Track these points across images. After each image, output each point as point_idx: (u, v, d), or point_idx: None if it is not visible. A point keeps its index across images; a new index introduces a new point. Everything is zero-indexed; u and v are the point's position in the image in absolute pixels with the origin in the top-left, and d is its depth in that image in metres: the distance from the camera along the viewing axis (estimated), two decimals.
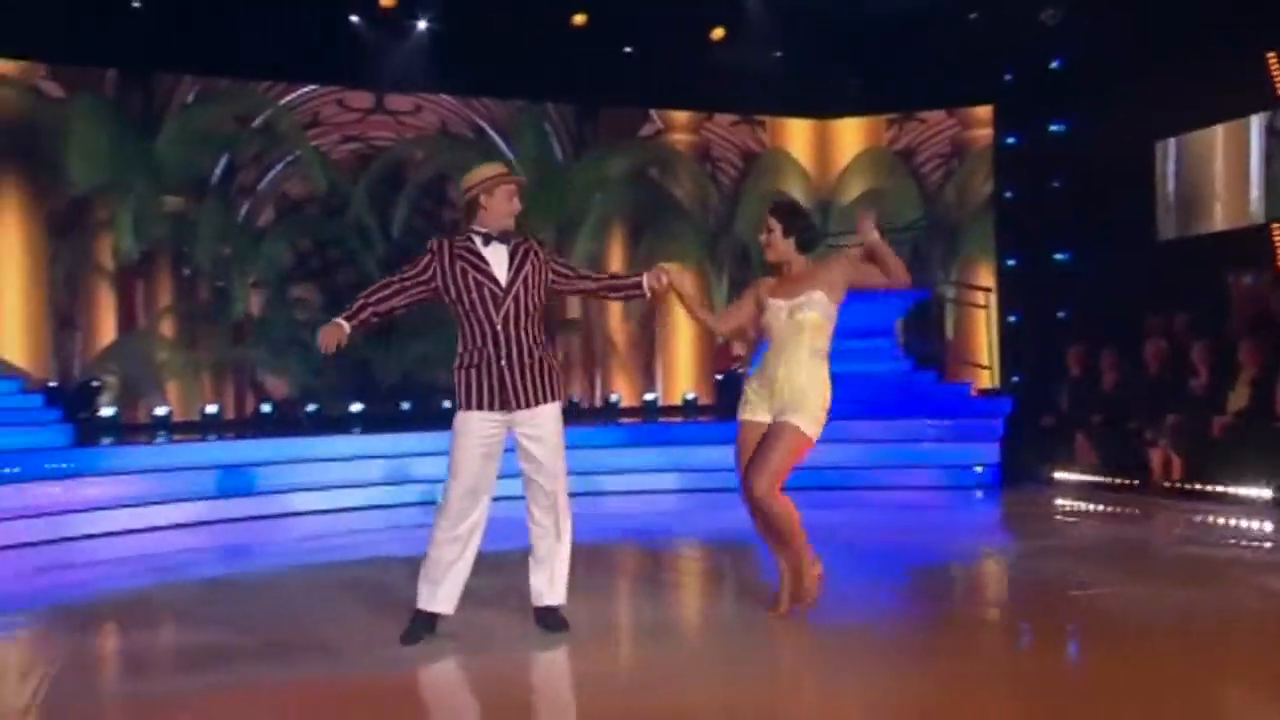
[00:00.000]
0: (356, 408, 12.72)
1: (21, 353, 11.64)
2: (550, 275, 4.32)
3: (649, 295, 4.35)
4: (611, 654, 4.28)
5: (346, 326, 4.14)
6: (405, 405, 13.07)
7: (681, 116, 14.83)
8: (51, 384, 10.33)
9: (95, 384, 10.80)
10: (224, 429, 11.82)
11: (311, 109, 13.11)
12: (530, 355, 4.18)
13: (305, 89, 13.01)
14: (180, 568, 6.62)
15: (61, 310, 11.86)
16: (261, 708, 3.60)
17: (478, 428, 4.16)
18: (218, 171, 12.58)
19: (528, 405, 4.18)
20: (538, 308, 4.29)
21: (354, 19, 12.01)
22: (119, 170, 11.98)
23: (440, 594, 4.21)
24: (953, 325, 14.38)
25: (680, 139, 14.93)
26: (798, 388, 4.28)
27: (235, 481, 8.76)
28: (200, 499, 8.49)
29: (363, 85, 13.16)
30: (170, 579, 6.23)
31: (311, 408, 12.50)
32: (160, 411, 11.86)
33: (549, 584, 4.27)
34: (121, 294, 12.10)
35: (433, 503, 6.88)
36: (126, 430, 10.86)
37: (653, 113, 14.65)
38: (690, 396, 14.06)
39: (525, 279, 4.23)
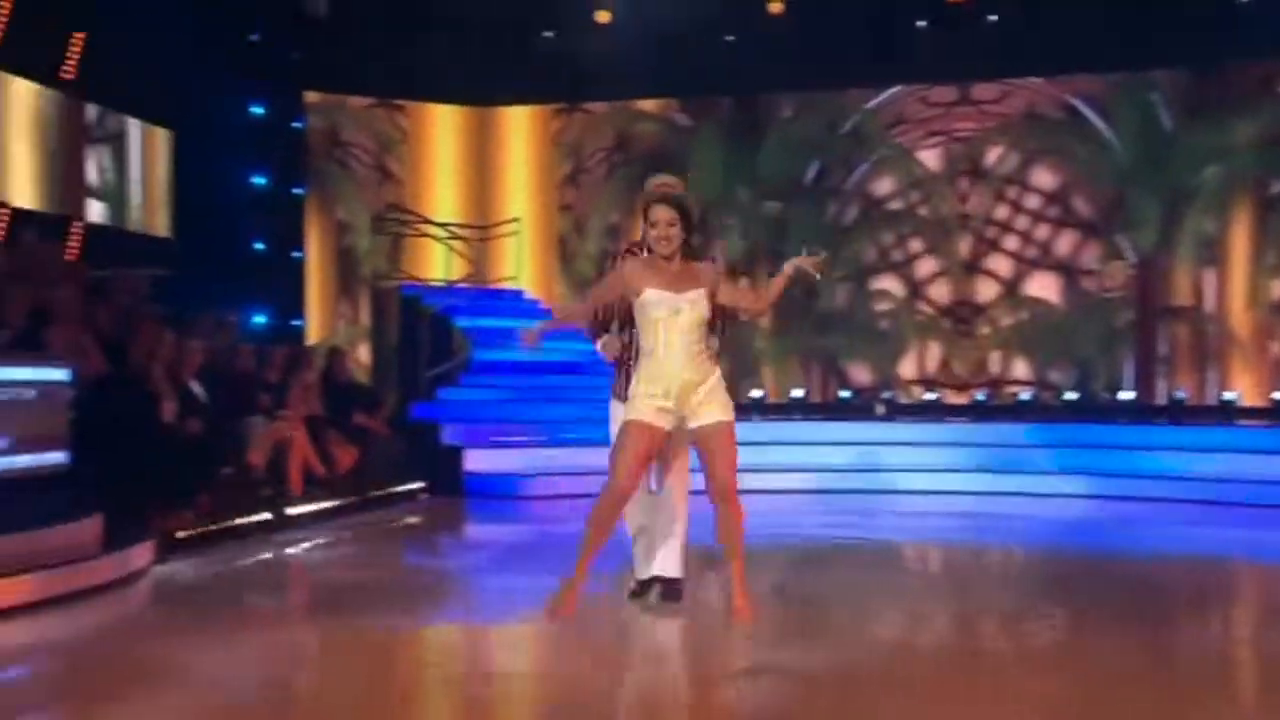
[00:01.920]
0: (930, 396, 13.16)
1: None
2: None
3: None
4: None
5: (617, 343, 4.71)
6: (980, 396, 13.11)
7: None
8: None
9: None
10: (808, 411, 13.13)
11: (895, 109, 13.61)
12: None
13: (891, 90, 13.62)
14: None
15: None
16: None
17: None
18: (809, 176, 13.89)
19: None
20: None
21: (920, 24, 12.34)
22: (729, 183, 13.91)
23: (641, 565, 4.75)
24: None
25: None
26: (699, 393, 4.19)
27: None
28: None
29: (946, 80, 13.37)
30: None
31: (887, 395, 13.22)
32: (756, 394, 13.61)
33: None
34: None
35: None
36: None
37: None
38: None
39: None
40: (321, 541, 6.73)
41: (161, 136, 11.99)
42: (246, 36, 12.10)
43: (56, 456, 5.91)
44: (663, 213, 4.21)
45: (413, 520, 7.90)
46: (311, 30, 12.38)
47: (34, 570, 4.91)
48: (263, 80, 12.39)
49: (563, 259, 14.31)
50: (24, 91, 10.26)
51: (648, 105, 14.14)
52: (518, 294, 12.54)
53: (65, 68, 10.57)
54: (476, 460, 8.84)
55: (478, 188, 14.27)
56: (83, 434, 5.99)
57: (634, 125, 14.21)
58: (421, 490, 8.55)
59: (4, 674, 3.94)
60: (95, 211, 11.20)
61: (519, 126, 14.38)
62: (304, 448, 7.21)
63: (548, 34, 12.98)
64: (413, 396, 10.01)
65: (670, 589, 4.69)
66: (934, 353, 13.36)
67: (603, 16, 12.92)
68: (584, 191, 14.30)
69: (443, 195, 14.05)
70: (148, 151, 11.93)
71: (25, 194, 10.28)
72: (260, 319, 12.21)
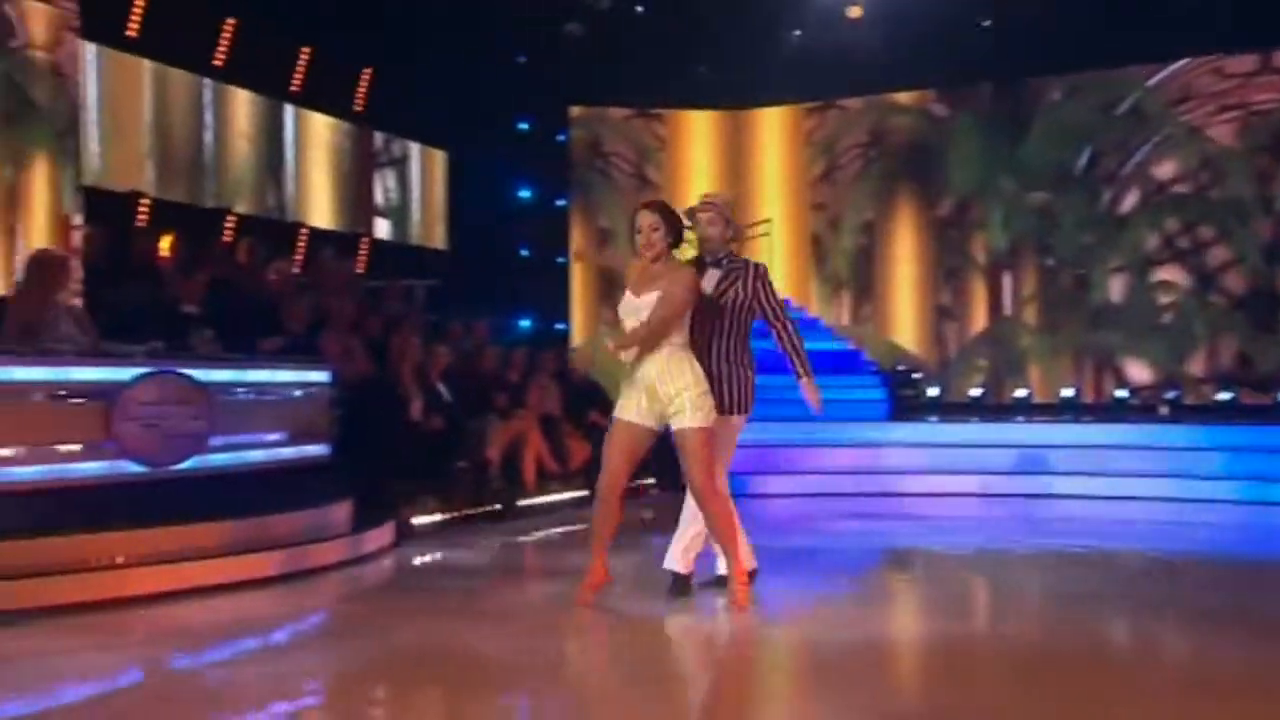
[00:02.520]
0: (1224, 396, 11.95)
1: (913, 339, 13.90)
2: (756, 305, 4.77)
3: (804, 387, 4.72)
4: None
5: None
6: None
7: None
8: (900, 368, 12.27)
9: (915, 374, 12.38)
10: (1079, 412, 12.29)
11: (1181, 84, 12.43)
12: (718, 369, 4.65)
13: (1177, 64, 12.49)
14: (948, 533, 7.60)
15: (941, 302, 13.81)
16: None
17: None
18: (1080, 163, 12.96)
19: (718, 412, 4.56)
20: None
21: None
22: (990, 174, 13.23)
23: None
24: None
25: None
26: (667, 389, 4.35)
27: (1009, 461, 9.61)
28: (975, 473, 9.56)
29: (1244, 48, 12.08)
30: (945, 542, 7.06)
31: (1171, 394, 12.13)
32: (1021, 393, 12.92)
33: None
34: (991, 285, 13.49)
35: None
36: (943, 409, 12.15)
37: None
38: None
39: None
40: (550, 531, 7.21)
41: (439, 158, 13.19)
42: (514, 59, 13.04)
43: (319, 449, 6.71)
44: (645, 218, 4.51)
45: (642, 514, 8.25)
46: (573, 48, 13.14)
47: (289, 546, 5.68)
48: (529, 98, 13.31)
49: (816, 258, 14.28)
50: (320, 126, 11.67)
51: (903, 98, 13.82)
52: None
53: (355, 101, 11.92)
54: None
55: (732, 190, 14.52)
56: (344, 429, 6.78)
57: (889, 119, 13.93)
58: (651, 486, 8.92)
59: (261, 627, 4.59)
60: (381, 229, 12.52)
61: (772, 127, 14.50)
62: (537, 444, 7.75)
63: (797, 33, 13.03)
64: None
65: (677, 582, 4.82)
66: (1228, 348, 12.16)
67: (854, 11, 12.80)
68: (838, 189, 14.19)
69: (698, 199, 14.42)
70: (427, 171, 13.18)
71: (323, 216, 11.69)
72: (526, 323, 13.14)
